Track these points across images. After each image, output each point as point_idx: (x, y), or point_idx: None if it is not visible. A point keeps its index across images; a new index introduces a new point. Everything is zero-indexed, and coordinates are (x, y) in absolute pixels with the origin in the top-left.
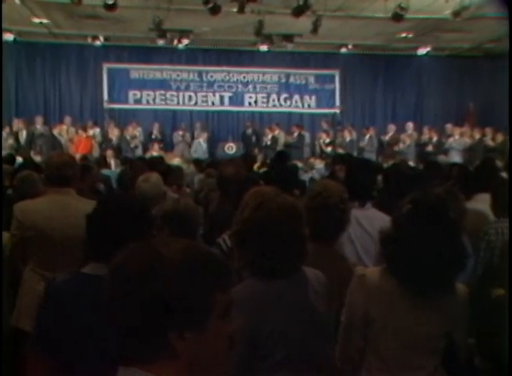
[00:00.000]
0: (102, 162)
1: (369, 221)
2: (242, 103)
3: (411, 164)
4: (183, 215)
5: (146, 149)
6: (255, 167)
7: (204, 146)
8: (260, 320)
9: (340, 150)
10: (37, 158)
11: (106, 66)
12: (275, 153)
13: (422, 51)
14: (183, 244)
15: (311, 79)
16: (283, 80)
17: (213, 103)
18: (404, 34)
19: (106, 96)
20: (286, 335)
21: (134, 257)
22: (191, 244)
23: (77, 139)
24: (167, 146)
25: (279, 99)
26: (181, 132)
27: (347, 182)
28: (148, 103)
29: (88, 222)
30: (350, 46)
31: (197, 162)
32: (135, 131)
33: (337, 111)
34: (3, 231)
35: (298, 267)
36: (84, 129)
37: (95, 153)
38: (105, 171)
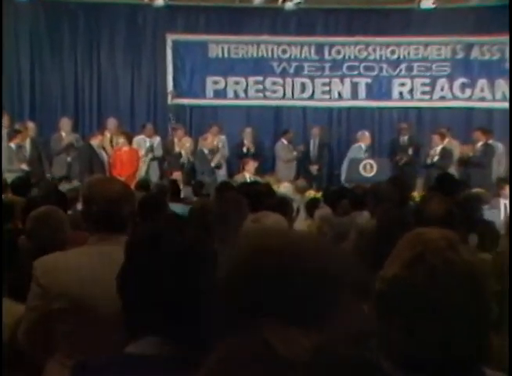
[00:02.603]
0: (169, 191)
1: None
2: (388, 95)
3: None
4: None
5: (233, 169)
6: (416, 196)
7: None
8: None
9: None
10: (64, 184)
11: (170, 39)
12: (437, 175)
13: None
14: (312, 339)
15: None
16: (460, 54)
17: (340, 96)
18: None
19: (170, 86)
20: None
21: (238, 358)
22: (323, 339)
23: (114, 154)
24: (267, 164)
25: (451, 87)
26: (286, 142)
27: None
28: (236, 96)
29: (121, 278)
30: None
31: (326, 191)
32: (215, 142)
33: None
34: (13, 303)
35: (474, 366)
36: (129, 138)
37: (153, 175)
38: (174, 207)
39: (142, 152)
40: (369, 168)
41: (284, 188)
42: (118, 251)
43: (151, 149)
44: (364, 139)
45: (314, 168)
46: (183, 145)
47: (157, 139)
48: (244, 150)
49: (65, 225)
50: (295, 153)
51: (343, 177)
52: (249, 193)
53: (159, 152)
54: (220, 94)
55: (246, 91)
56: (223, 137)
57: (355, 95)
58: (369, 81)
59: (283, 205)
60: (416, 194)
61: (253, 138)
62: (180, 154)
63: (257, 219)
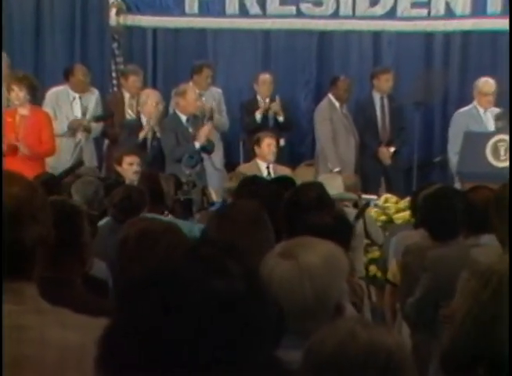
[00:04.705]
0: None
1: None
2: None
3: None
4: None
5: (235, 153)
6: None
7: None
8: None
9: None
10: None
11: None
12: None
13: None
14: None
15: None
16: None
17: (449, 10)
18: None
19: None
20: None
21: None
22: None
23: (6, 123)
24: (304, 145)
25: None
26: (335, 101)
27: None
28: (244, 12)
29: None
30: None
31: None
32: (203, 101)
33: None
34: None
35: None
36: (31, 90)
37: (90, 162)
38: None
39: (63, 119)
40: (505, 152)
41: (333, 183)
42: (18, 314)
43: (82, 113)
44: (490, 95)
45: (385, 153)
46: (142, 105)
47: (94, 95)
48: (258, 115)
49: None
50: (343, 122)
51: (452, 169)
52: (276, 200)
53: (97, 125)
54: (212, 9)
55: (262, 3)
56: (218, 91)
57: (479, 8)
58: None
59: (341, 226)
60: None
61: (276, 93)
62: (135, 122)
63: (290, 253)
